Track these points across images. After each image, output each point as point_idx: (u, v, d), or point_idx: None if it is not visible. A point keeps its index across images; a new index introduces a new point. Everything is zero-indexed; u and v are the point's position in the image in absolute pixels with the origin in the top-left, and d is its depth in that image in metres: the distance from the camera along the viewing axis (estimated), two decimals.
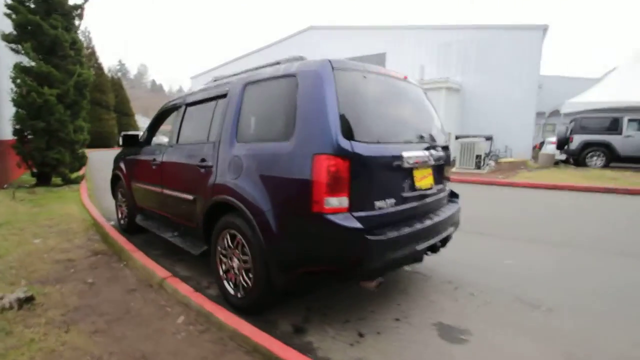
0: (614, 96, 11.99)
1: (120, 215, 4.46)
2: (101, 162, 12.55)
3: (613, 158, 10.45)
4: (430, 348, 2.01)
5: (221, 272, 2.50)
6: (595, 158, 10.73)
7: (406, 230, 2.06)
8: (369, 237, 1.83)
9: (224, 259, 2.46)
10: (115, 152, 5.57)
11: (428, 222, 2.27)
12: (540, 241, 4.06)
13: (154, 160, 3.35)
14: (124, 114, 27.99)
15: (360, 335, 2.13)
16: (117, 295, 2.59)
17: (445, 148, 2.68)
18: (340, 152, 1.83)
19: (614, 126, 10.47)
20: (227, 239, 2.40)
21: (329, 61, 2.01)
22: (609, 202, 6.58)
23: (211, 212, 2.52)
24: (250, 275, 2.23)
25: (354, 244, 1.81)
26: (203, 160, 2.61)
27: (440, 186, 2.60)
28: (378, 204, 1.99)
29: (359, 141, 1.91)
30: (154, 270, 2.82)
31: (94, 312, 2.33)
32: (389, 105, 2.26)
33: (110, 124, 24.92)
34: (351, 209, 1.86)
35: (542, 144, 14.90)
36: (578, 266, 3.31)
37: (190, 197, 2.76)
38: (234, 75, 2.91)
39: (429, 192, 2.38)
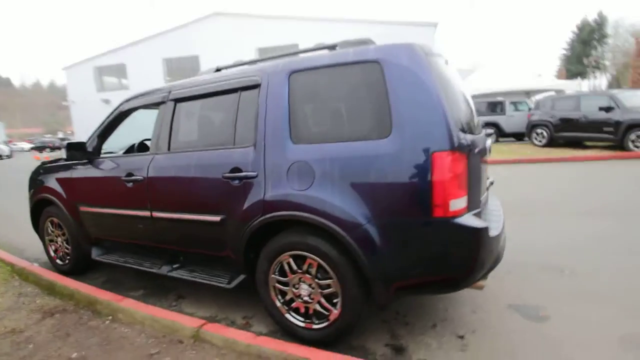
0: (491, 83, 14.51)
1: (54, 254, 3.31)
2: None
3: (501, 134, 12.68)
4: (527, 332, 2.03)
5: (278, 304, 2.05)
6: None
7: (495, 222, 2.01)
8: (490, 235, 1.71)
9: (284, 288, 2.02)
10: None
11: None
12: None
13: (129, 175, 2.53)
14: None
15: (460, 337, 2.02)
16: None
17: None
18: (459, 147, 1.63)
19: (500, 108, 12.69)
20: (289, 263, 1.96)
21: (419, 45, 1.77)
22: (519, 171, 7.91)
23: (257, 234, 2.03)
24: (336, 300, 1.87)
25: (481, 245, 1.66)
26: (236, 170, 2.06)
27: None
28: (482, 199, 1.87)
29: (463, 132, 1.75)
30: (176, 319, 2.15)
31: None
32: (457, 91, 2.14)
33: None
34: (468, 208, 1.70)
35: None
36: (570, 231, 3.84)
37: (213, 218, 2.17)
38: (250, 62, 2.38)
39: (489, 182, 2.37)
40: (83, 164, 2.91)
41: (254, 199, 2.00)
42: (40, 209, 3.32)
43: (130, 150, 3.30)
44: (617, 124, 8.44)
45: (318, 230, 1.86)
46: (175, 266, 2.54)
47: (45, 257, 3.61)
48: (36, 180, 3.34)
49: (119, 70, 21.15)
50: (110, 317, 2.37)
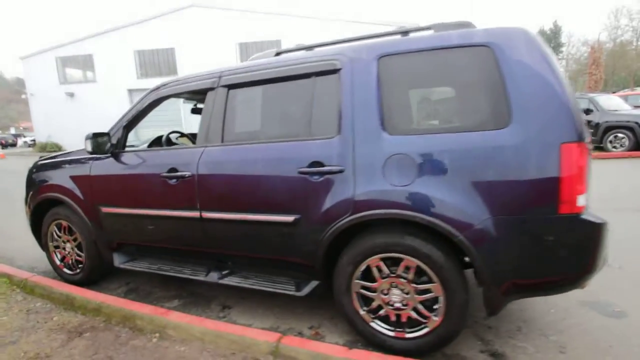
0: None
1: (60, 262, 2.88)
2: None
3: None
4: (612, 329, 1.99)
5: (361, 312, 1.86)
6: None
7: None
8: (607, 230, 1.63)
9: (370, 294, 1.83)
10: None
11: None
12: None
13: (172, 171, 2.22)
14: None
15: (553, 340, 1.94)
16: None
17: None
18: (583, 138, 1.53)
19: None
20: (379, 267, 1.78)
21: (528, 29, 1.65)
22: None
23: (341, 236, 1.82)
24: (437, 306, 1.71)
25: (602, 241, 1.57)
26: (316, 164, 1.84)
27: None
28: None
29: None
30: (244, 334, 1.88)
31: None
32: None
33: None
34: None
35: None
36: None
37: (285, 219, 1.93)
38: (316, 46, 2.16)
39: None
40: (105, 159, 2.53)
41: (340, 196, 1.79)
42: (42, 211, 2.88)
43: (156, 144, 2.94)
44: (596, 125, 8.96)
45: (417, 230, 1.70)
46: (224, 272, 2.27)
47: (42, 265, 3.18)
48: (37, 179, 2.89)
49: (85, 62, 19.57)
50: (157, 334, 2.05)
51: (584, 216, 1.52)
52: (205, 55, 17.93)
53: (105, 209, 2.52)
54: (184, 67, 18.44)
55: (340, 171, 1.79)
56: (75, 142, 19.86)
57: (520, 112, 1.54)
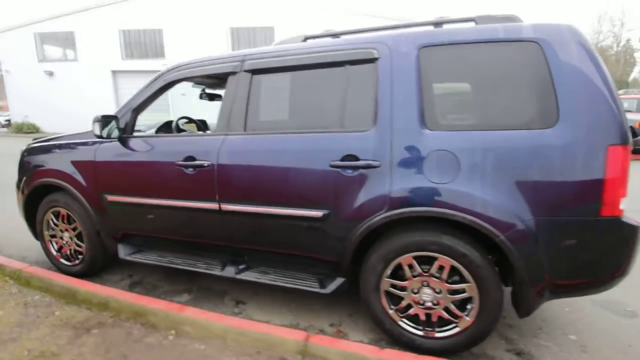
0: None
1: (56, 252, 2.71)
2: None
3: None
4: (629, 328, 2.04)
5: (390, 310, 1.82)
6: None
7: None
8: None
9: (400, 292, 1.79)
10: None
11: None
12: None
13: (190, 160, 2.09)
14: None
15: (573, 339, 1.96)
16: None
17: None
18: (628, 141, 1.52)
19: None
20: (411, 265, 1.74)
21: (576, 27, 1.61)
22: None
23: (372, 233, 1.77)
24: (470, 306, 1.69)
25: (638, 244, 1.57)
26: (350, 157, 1.76)
27: None
28: None
29: None
30: (270, 332, 1.81)
31: None
32: None
33: None
34: None
35: None
36: None
37: (313, 213, 1.85)
38: (348, 33, 2.06)
39: None
40: (112, 144, 2.36)
41: (375, 191, 1.73)
42: (37, 198, 2.69)
43: (164, 130, 2.77)
44: None
45: (454, 229, 1.66)
46: (241, 267, 2.18)
47: (34, 255, 3.00)
48: (31, 162, 2.69)
49: (66, 40, 18.52)
50: (172, 332, 1.95)
51: (623, 219, 1.52)
52: (195, 39, 17.33)
53: (111, 197, 2.37)
54: (172, 50, 17.78)
55: (376, 166, 1.72)
56: (54, 123, 18.92)
57: (568, 112, 1.51)
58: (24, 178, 2.70)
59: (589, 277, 1.61)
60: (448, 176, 1.62)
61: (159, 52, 18.21)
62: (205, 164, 2.05)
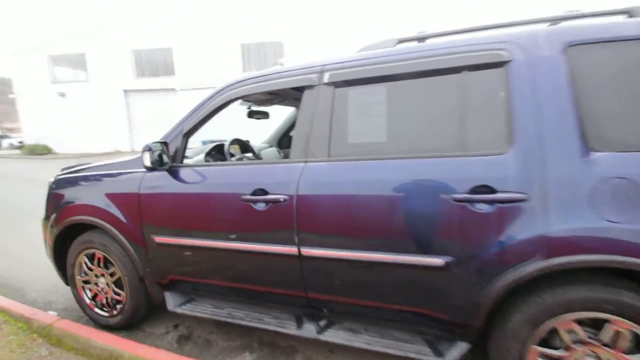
0: None
1: (90, 300, 2.32)
2: None
3: None
4: None
5: None
6: None
7: None
8: None
9: None
10: None
11: None
12: None
13: (260, 194, 1.71)
14: None
15: None
16: None
17: None
18: None
19: None
20: (571, 330, 1.31)
21: None
22: None
23: (515, 287, 1.35)
24: None
25: None
26: (482, 189, 1.36)
27: None
28: None
29: None
30: None
31: None
32: None
33: None
34: None
35: None
36: None
37: (431, 261, 1.44)
38: (447, 34, 1.68)
39: None
40: (158, 175, 2.00)
41: (522, 233, 1.31)
42: (67, 238, 2.32)
43: (215, 154, 2.40)
44: None
45: (631, 282, 1.24)
46: (322, 324, 1.77)
47: (61, 299, 2.64)
48: (59, 197, 2.33)
49: (78, 61, 18.67)
50: None
51: None
52: (205, 56, 17.33)
53: (159, 239, 1.98)
54: (182, 67, 17.79)
55: (522, 199, 1.32)
56: (67, 144, 18.88)
57: None
58: (54, 215, 2.34)
59: None
60: (632, 212, 1.21)
61: (169, 70, 18.24)
62: (281, 199, 1.66)
